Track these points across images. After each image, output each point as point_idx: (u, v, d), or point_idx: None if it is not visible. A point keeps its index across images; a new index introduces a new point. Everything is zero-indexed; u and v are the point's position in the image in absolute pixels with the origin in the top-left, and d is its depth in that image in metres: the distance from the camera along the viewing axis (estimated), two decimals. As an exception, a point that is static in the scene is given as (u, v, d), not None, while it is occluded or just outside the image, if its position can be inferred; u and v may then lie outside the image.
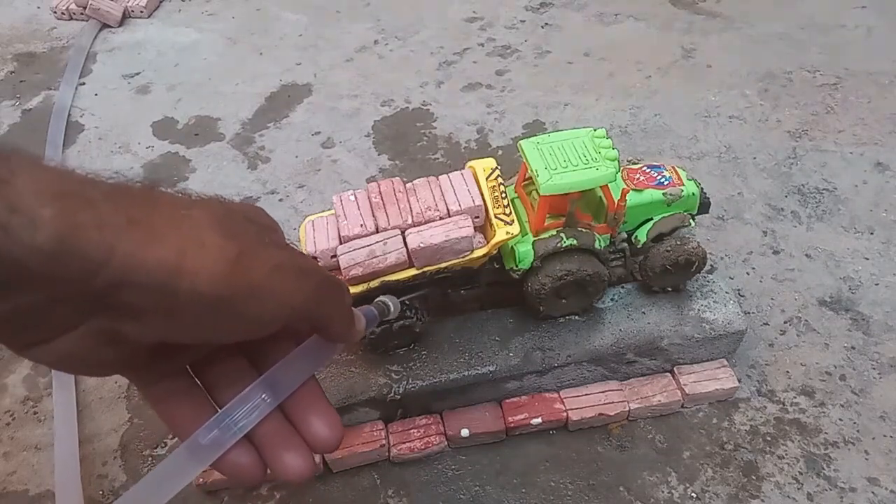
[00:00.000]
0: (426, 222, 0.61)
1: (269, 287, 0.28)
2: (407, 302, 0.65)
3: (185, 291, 0.25)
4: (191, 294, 0.25)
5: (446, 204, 0.62)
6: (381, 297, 0.45)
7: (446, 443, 0.70)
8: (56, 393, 0.76)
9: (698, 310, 0.72)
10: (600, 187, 0.64)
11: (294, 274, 0.29)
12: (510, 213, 0.62)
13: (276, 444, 0.32)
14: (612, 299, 0.73)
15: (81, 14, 1.42)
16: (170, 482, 0.29)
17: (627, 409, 0.71)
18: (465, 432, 0.69)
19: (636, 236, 0.69)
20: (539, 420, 0.70)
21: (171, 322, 0.26)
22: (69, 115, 1.19)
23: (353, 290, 0.60)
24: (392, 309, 0.44)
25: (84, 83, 1.27)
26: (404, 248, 0.60)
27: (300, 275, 0.30)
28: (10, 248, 0.21)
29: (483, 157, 0.66)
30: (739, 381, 0.74)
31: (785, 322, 0.81)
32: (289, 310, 0.29)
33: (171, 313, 0.25)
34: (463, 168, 0.66)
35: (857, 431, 0.72)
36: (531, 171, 0.62)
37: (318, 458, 0.67)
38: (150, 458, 0.72)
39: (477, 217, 0.62)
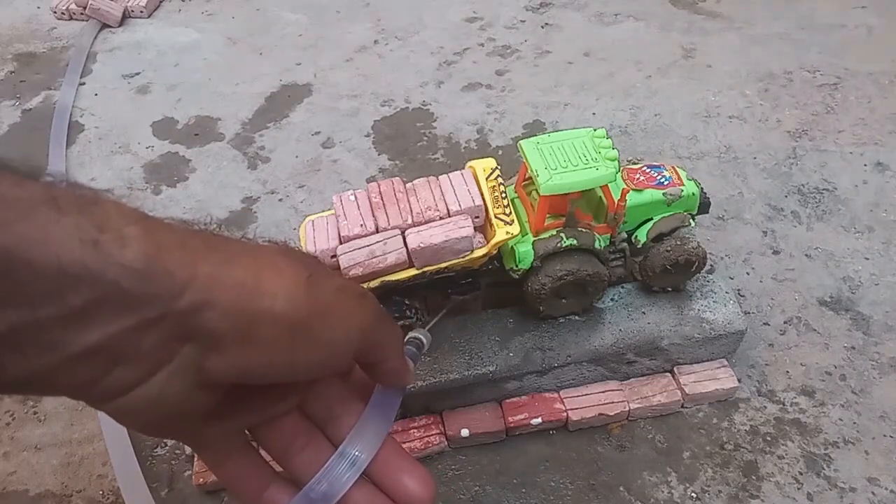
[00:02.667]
0: (426, 222, 0.61)
1: (338, 308, 0.28)
2: (407, 302, 0.65)
3: (265, 312, 0.25)
4: (269, 315, 0.25)
5: (446, 204, 0.62)
6: (412, 333, 0.43)
7: (446, 443, 0.70)
8: None
9: (698, 310, 0.72)
10: (600, 187, 0.64)
11: (356, 296, 0.30)
12: (510, 213, 0.62)
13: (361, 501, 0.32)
14: (612, 299, 0.73)
15: (81, 14, 1.42)
16: None
17: (627, 409, 0.71)
18: (465, 432, 0.69)
19: (636, 236, 0.69)
20: (539, 420, 0.70)
21: (249, 351, 0.26)
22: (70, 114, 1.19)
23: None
24: (425, 342, 0.43)
25: (84, 83, 1.27)
26: (404, 248, 0.60)
27: (361, 297, 0.30)
28: (101, 267, 0.22)
29: (483, 157, 0.66)
30: (739, 381, 0.74)
31: (785, 322, 0.81)
32: (357, 332, 0.29)
33: (250, 339, 0.26)
34: (463, 168, 0.66)
35: (857, 431, 0.72)
36: (531, 171, 0.62)
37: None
38: (149, 459, 0.72)
39: (477, 217, 0.62)
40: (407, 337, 0.43)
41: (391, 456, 0.33)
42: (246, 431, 0.33)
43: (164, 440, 0.73)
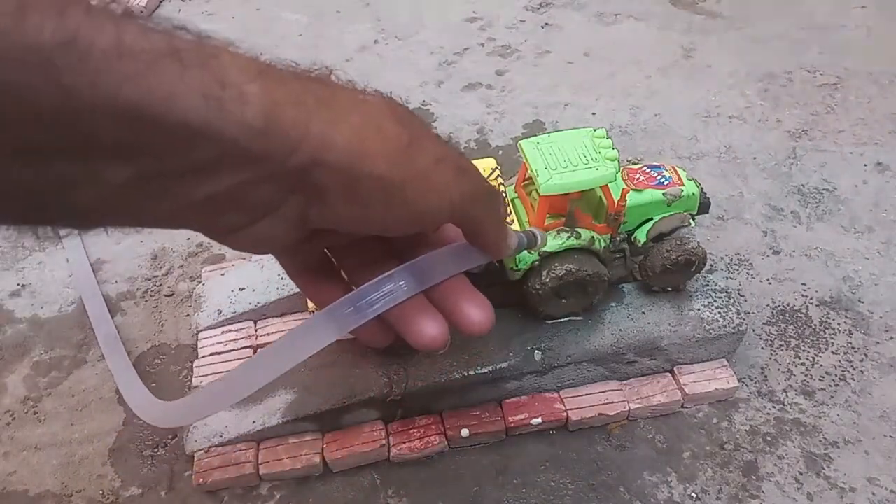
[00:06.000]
0: (426, 222, 0.61)
1: (434, 178, 0.29)
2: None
3: (366, 175, 0.27)
4: (369, 177, 0.27)
5: (446, 204, 0.62)
6: (531, 228, 0.47)
7: (446, 443, 0.70)
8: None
9: (698, 310, 0.72)
10: (600, 187, 0.64)
11: (455, 169, 0.31)
12: (510, 213, 0.62)
13: (412, 314, 0.34)
14: (611, 299, 0.73)
15: (81, 14, 1.42)
16: (307, 342, 0.31)
17: (627, 409, 0.71)
18: (465, 432, 0.69)
19: (636, 236, 0.69)
20: (539, 420, 0.70)
21: (349, 206, 0.28)
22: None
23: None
24: (539, 240, 0.45)
25: (84, 83, 1.27)
26: (404, 248, 0.60)
27: (460, 171, 0.31)
28: (223, 125, 0.23)
29: (483, 157, 0.66)
30: (739, 381, 0.74)
31: (785, 322, 0.81)
32: (448, 204, 0.30)
33: (351, 196, 0.27)
34: (463, 168, 0.66)
35: (857, 431, 0.72)
36: (531, 171, 0.62)
37: (318, 459, 0.67)
38: (149, 459, 0.72)
39: (477, 217, 0.62)
40: (526, 229, 0.45)
41: (458, 285, 0.35)
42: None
43: (165, 441, 0.73)
